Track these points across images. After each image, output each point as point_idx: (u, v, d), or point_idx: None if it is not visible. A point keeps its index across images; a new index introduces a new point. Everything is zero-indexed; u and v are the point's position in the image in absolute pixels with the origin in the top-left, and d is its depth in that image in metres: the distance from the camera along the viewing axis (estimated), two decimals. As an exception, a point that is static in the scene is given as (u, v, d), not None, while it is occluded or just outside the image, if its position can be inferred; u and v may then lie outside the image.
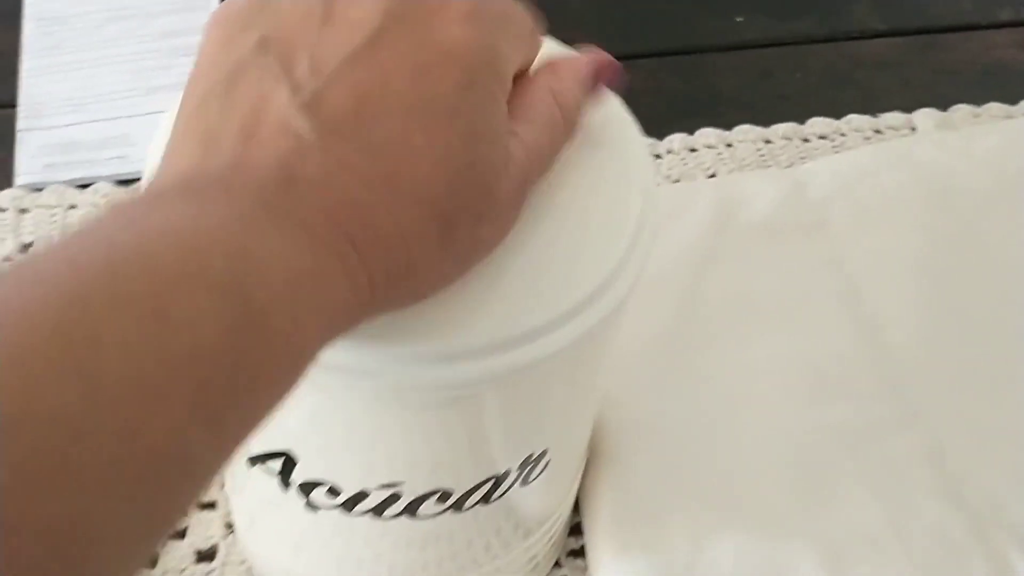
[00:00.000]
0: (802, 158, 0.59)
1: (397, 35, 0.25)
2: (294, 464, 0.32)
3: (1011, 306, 0.50)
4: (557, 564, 0.45)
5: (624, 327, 0.34)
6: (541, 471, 0.35)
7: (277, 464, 0.32)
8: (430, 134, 0.24)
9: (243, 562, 0.44)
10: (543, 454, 0.34)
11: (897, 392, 0.47)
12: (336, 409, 0.30)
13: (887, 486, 0.44)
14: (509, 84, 0.27)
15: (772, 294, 0.50)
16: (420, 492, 0.32)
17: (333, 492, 0.32)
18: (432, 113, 0.25)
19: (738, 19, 0.67)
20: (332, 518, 0.34)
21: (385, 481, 0.32)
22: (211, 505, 0.46)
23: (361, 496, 0.32)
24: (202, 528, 0.45)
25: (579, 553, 0.45)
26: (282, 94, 0.24)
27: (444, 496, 0.33)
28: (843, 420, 0.46)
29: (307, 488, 0.33)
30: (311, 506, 0.33)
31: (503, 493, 0.34)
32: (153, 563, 0.44)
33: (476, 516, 0.35)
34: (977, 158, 0.55)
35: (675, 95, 0.63)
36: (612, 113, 0.33)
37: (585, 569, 0.44)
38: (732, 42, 0.66)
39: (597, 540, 0.43)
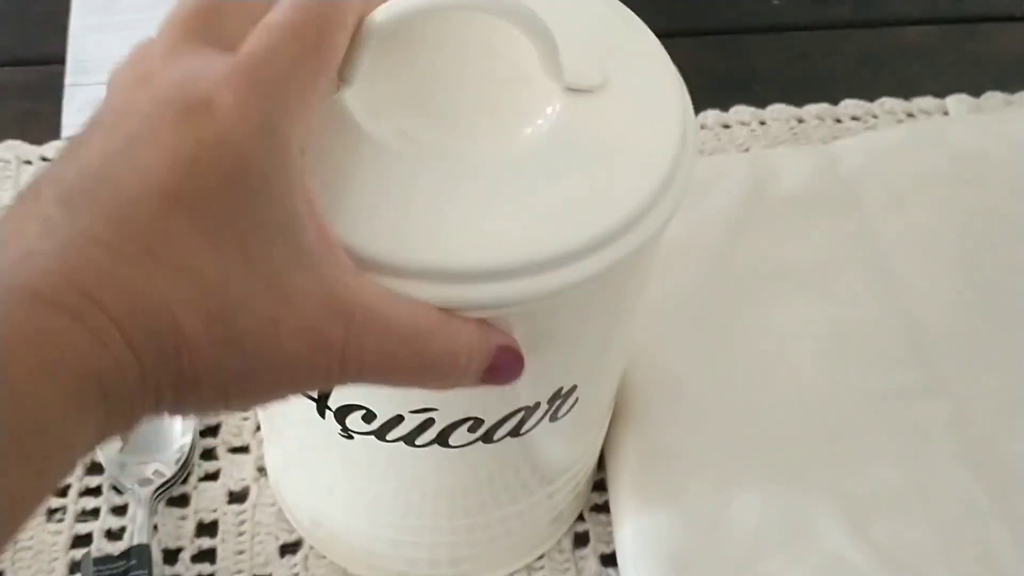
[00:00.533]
0: (835, 138, 0.59)
1: (156, 130, 0.24)
2: (330, 390, 0.33)
3: (1037, 285, 0.51)
4: (580, 518, 0.46)
5: (657, 269, 0.34)
6: (570, 409, 0.35)
7: (314, 391, 0.33)
8: (192, 217, 0.24)
9: (273, 504, 0.45)
10: (572, 390, 0.35)
11: (923, 361, 0.47)
12: None
13: (910, 449, 0.44)
14: (304, 139, 0.26)
15: (803, 263, 0.50)
16: (452, 419, 0.33)
17: (368, 418, 0.33)
18: (194, 199, 0.24)
19: (775, 2, 0.68)
20: (365, 446, 0.34)
21: (420, 406, 0.32)
22: (244, 449, 0.47)
23: (395, 421, 0.33)
24: (235, 470, 0.46)
25: (602, 508, 0.46)
26: (43, 198, 0.24)
27: (475, 425, 0.33)
28: (869, 384, 0.46)
29: (343, 413, 0.33)
30: (346, 433, 0.34)
31: (532, 427, 0.35)
32: (185, 503, 0.45)
33: (506, 449, 0.35)
34: (1010, 140, 0.56)
35: (711, 73, 0.63)
36: (646, 45, 0.33)
37: (608, 524, 0.45)
38: (769, 24, 0.67)
39: (621, 494, 0.44)
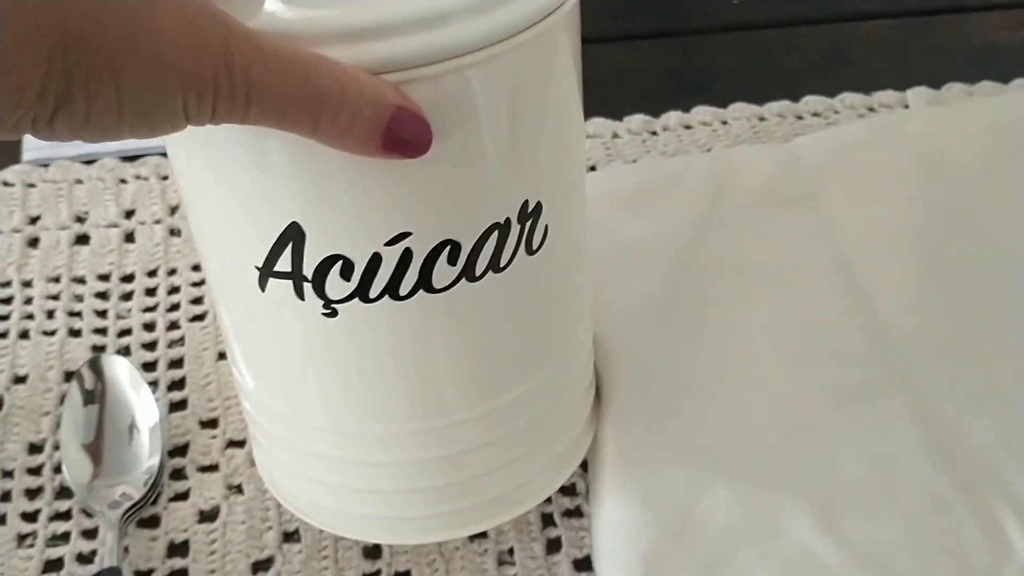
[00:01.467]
0: (796, 135, 0.60)
1: None
2: (303, 240, 0.32)
3: (999, 277, 0.51)
4: (552, 523, 0.46)
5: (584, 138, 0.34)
6: (543, 239, 0.35)
7: (287, 258, 0.33)
8: None
9: (244, 522, 0.45)
10: (538, 209, 0.35)
11: (887, 356, 0.48)
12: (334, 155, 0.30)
13: (876, 444, 0.44)
14: None
15: (766, 261, 0.51)
16: (429, 245, 0.33)
17: (346, 271, 0.33)
18: None
19: (734, 1, 0.68)
20: (350, 322, 0.34)
21: (393, 232, 0.32)
22: (213, 467, 0.47)
23: (375, 265, 0.33)
24: (205, 489, 0.46)
25: (574, 513, 0.45)
26: None
27: (453, 252, 0.33)
28: (834, 381, 0.47)
29: (321, 275, 0.33)
30: (328, 309, 0.34)
31: (511, 259, 0.35)
32: (155, 524, 0.45)
33: (491, 291, 0.35)
34: (969, 132, 0.56)
35: (673, 74, 0.64)
36: None
37: (580, 529, 0.45)
38: (729, 23, 0.67)
39: (599, 486, 0.44)
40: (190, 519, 0.45)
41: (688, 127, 0.61)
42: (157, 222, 0.57)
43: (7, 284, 0.55)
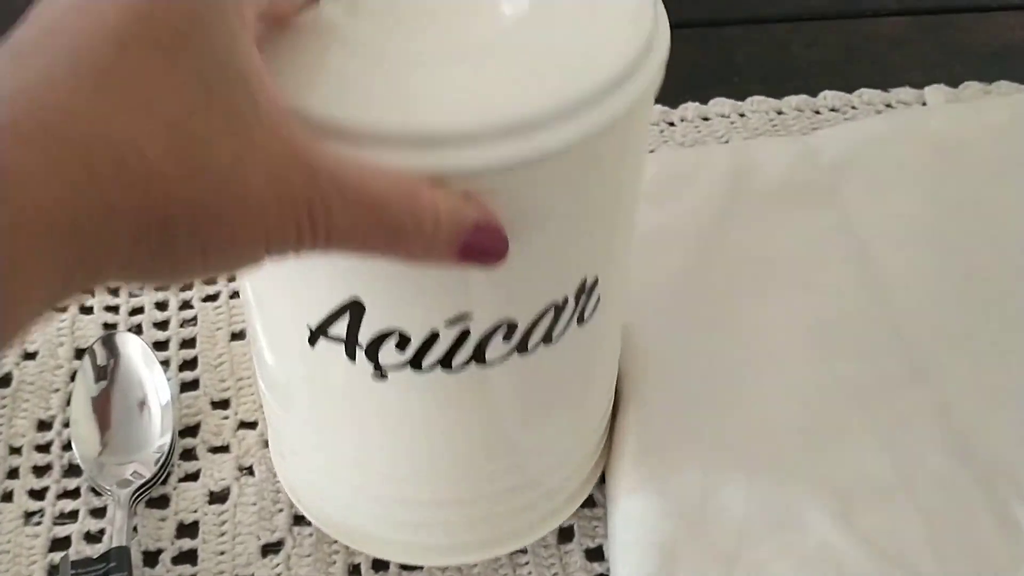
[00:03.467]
0: (814, 129, 0.59)
1: None
2: (362, 314, 0.32)
3: (1017, 273, 0.51)
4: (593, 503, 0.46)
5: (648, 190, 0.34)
6: (595, 308, 0.35)
7: (343, 326, 0.32)
8: (154, 59, 0.23)
9: (255, 504, 0.45)
10: (595, 284, 0.34)
11: (905, 351, 0.47)
12: None
13: (894, 439, 0.44)
14: (251, 20, 0.26)
15: (785, 254, 0.50)
16: (487, 326, 0.32)
17: (402, 344, 0.32)
18: (155, 43, 0.24)
19: (753, -7, 0.68)
20: (399, 385, 0.34)
21: (453, 314, 0.32)
22: (224, 448, 0.47)
23: (431, 341, 0.32)
24: (215, 470, 0.46)
25: (586, 503, 0.45)
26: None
27: (509, 331, 0.33)
28: (852, 375, 0.46)
29: (375, 347, 0.33)
30: (379, 372, 0.33)
31: (563, 331, 0.34)
32: (165, 504, 0.45)
33: (540, 361, 0.35)
34: (987, 129, 0.56)
35: (691, 65, 0.63)
36: None
37: (593, 519, 0.45)
38: (748, 16, 0.67)
39: (614, 480, 0.44)
40: (200, 500, 0.45)
41: (706, 119, 0.60)
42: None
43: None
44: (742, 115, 0.61)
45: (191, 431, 0.47)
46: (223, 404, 0.48)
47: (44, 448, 0.47)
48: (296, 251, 0.26)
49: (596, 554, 0.44)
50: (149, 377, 0.48)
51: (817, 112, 0.61)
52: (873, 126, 0.56)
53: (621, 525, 0.42)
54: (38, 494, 0.45)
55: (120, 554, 0.41)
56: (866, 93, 0.62)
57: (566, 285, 0.33)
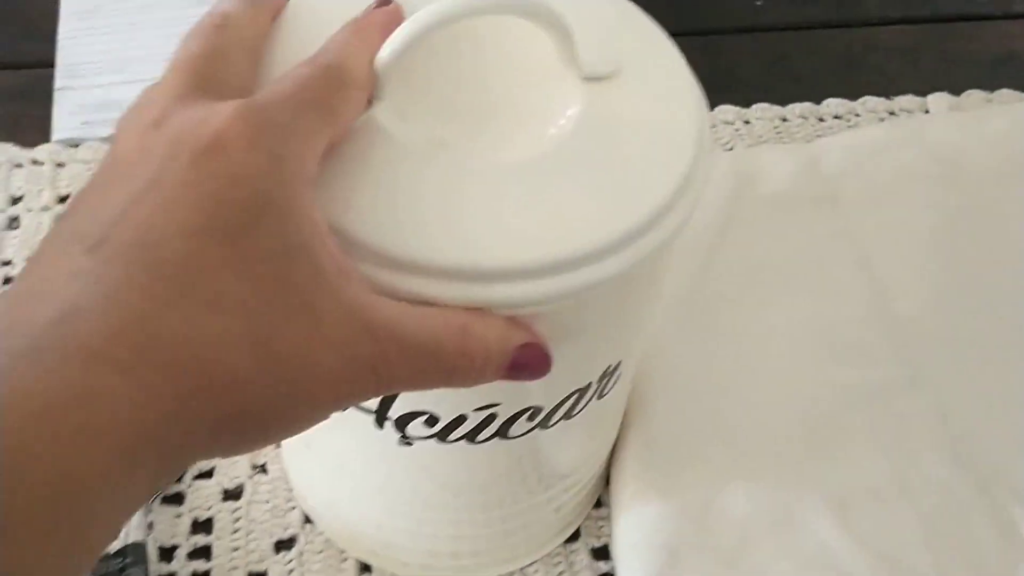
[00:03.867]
0: (817, 136, 0.60)
1: (174, 171, 0.25)
2: (395, 397, 0.33)
3: (1017, 280, 0.51)
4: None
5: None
6: (614, 383, 0.36)
7: (375, 402, 0.33)
8: (222, 248, 0.24)
9: (268, 501, 0.46)
10: (618, 366, 0.35)
11: (905, 357, 0.48)
12: None
13: (893, 444, 0.45)
14: (312, 174, 0.27)
15: (787, 261, 0.51)
16: (514, 411, 0.33)
17: (431, 422, 0.33)
18: (222, 231, 0.24)
19: (757, 3, 0.69)
20: (424, 450, 0.35)
21: (483, 403, 0.33)
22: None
23: (458, 422, 0.33)
24: (229, 468, 0.47)
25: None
26: (71, 252, 0.24)
27: (534, 414, 0.34)
28: (853, 381, 0.47)
29: (404, 421, 0.33)
30: (406, 440, 0.34)
31: (584, 407, 0.35)
32: (180, 501, 0.46)
33: (560, 432, 0.36)
34: (988, 138, 0.57)
35: (695, 73, 0.64)
36: (655, 37, 0.34)
37: (598, 519, 0.46)
38: (751, 24, 0.68)
39: (619, 483, 0.45)
40: (215, 497, 0.46)
41: (711, 126, 0.61)
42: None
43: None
44: (747, 122, 0.62)
45: (206, 430, 0.48)
46: (237, 404, 0.49)
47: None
48: (359, 403, 0.27)
49: (602, 553, 0.45)
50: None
51: (821, 119, 0.62)
52: (874, 134, 0.57)
53: (626, 526, 0.43)
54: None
55: (136, 549, 0.42)
56: (870, 101, 0.63)
57: (592, 374, 0.34)
